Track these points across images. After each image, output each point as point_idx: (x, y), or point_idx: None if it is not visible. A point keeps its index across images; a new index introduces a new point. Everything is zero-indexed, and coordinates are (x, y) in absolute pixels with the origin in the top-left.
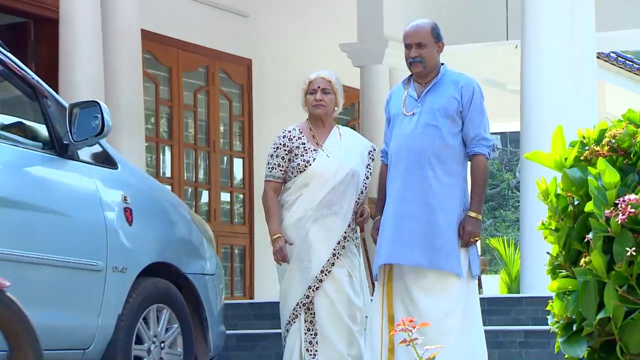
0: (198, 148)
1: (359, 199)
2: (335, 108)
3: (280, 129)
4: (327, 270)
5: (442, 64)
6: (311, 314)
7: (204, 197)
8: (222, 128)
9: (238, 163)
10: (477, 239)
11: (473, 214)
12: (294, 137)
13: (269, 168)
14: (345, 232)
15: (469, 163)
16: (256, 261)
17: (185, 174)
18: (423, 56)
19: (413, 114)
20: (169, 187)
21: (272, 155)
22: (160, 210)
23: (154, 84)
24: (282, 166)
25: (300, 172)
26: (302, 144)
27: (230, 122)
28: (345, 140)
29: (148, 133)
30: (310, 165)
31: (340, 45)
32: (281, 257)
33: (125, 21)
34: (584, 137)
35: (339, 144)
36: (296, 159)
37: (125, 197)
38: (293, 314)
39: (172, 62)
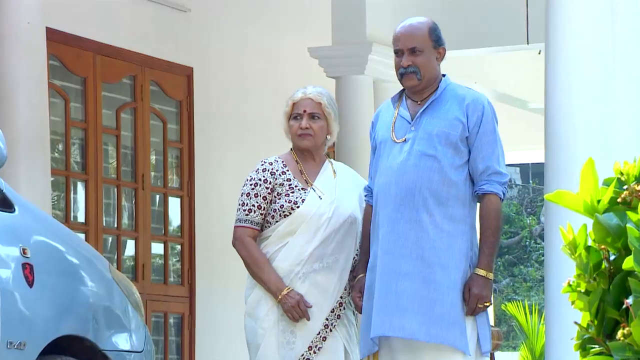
0: (122, 184)
1: (356, 255)
2: (328, 137)
3: (233, 158)
4: (316, 346)
5: (444, 75)
6: None
7: (130, 248)
8: (153, 157)
9: (175, 204)
10: (487, 304)
11: (482, 272)
12: (277, 171)
13: (244, 211)
14: (341, 297)
15: (477, 205)
16: (198, 334)
17: (104, 219)
18: (418, 65)
19: (405, 140)
20: (83, 236)
21: (248, 194)
22: (71, 267)
23: (63, 99)
24: (263, 208)
25: (285, 216)
26: (287, 180)
27: (165, 150)
28: (340, 179)
29: (55, 164)
30: (298, 207)
31: (310, 49)
32: (300, 313)
33: (24, 16)
34: (621, 174)
35: (333, 182)
36: (279, 199)
37: (24, 249)
38: None
39: (88, 71)
